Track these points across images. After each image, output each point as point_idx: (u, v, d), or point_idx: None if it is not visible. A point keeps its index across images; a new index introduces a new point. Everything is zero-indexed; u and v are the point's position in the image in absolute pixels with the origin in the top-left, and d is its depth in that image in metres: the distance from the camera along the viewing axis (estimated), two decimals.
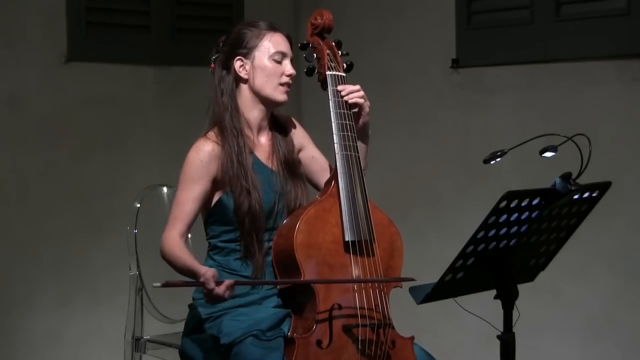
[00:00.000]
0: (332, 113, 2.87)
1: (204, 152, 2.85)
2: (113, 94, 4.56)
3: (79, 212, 4.46)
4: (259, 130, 2.95)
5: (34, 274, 4.35)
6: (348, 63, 2.97)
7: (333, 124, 2.86)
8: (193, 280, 2.70)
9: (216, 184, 2.87)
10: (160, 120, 4.70)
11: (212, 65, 2.97)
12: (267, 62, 2.89)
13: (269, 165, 2.93)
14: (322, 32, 3.00)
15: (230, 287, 2.65)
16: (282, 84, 2.90)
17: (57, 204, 4.41)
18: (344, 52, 3.00)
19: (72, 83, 4.44)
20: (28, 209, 4.34)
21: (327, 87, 2.92)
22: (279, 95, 2.90)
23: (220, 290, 2.63)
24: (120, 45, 4.57)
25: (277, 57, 2.89)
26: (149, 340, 3.65)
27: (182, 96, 4.73)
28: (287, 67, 2.91)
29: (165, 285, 2.62)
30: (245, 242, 2.86)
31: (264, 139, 2.96)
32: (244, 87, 2.92)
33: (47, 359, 4.40)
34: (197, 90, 4.70)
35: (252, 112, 2.92)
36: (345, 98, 2.88)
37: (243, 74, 2.91)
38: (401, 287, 2.81)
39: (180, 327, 3.34)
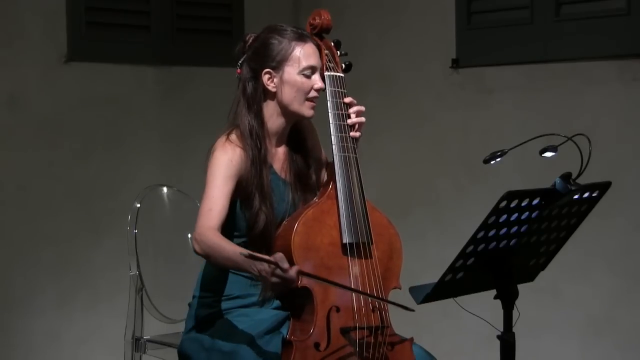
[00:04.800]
0: (330, 114, 2.85)
1: (234, 154, 2.77)
2: (113, 94, 4.56)
3: (79, 212, 4.46)
4: (278, 139, 2.91)
5: (34, 274, 4.35)
6: (347, 63, 2.95)
7: (331, 124, 2.84)
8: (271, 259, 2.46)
9: (237, 186, 2.80)
10: (160, 120, 4.69)
11: (238, 70, 2.89)
12: (297, 77, 2.81)
13: (283, 176, 2.90)
14: (321, 32, 2.97)
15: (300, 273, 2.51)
16: (310, 99, 2.83)
17: (57, 203, 4.41)
18: (343, 52, 2.97)
19: (72, 83, 4.44)
20: (28, 208, 4.34)
21: (325, 87, 2.88)
22: (306, 110, 2.84)
23: (292, 272, 2.46)
24: (120, 45, 4.57)
25: (307, 72, 2.82)
26: (149, 340, 3.65)
27: (182, 96, 4.73)
28: (317, 80, 2.83)
29: (249, 257, 2.42)
30: None
31: (281, 149, 2.92)
32: (271, 99, 2.85)
33: (47, 358, 4.39)
34: (197, 90, 4.74)
35: (276, 122, 2.87)
36: (352, 113, 2.85)
37: (271, 87, 2.83)
38: (400, 288, 2.80)
39: (180, 327, 3.35)
